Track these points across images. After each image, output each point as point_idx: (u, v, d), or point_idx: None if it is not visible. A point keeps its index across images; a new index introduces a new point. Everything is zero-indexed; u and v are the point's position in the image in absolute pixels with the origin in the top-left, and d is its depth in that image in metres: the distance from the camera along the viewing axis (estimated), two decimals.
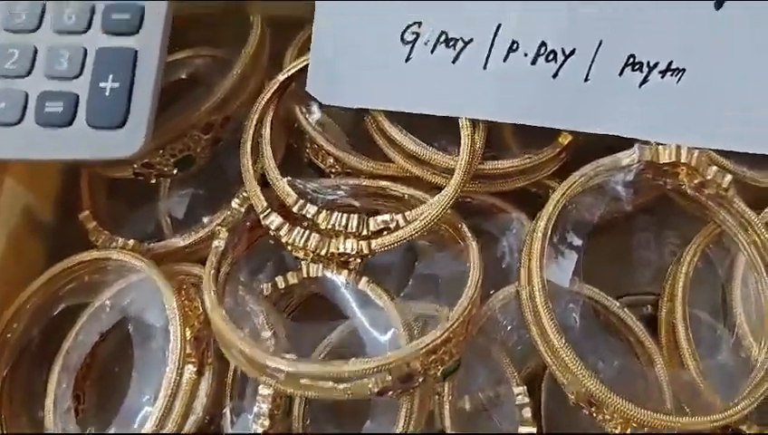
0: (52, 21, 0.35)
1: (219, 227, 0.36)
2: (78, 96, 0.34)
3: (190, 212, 0.43)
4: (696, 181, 0.36)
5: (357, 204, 0.38)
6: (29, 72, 0.35)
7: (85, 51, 0.35)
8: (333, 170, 0.39)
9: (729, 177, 0.35)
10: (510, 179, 0.38)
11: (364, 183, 0.38)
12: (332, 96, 0.37)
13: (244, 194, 0.37)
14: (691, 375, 0.35)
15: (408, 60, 0.36)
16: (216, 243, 0.35)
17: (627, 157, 0.35)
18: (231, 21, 0.42)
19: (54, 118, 0.34)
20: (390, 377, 0.31)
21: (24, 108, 0.34)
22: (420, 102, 0.36)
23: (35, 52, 0.35)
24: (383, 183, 0.38)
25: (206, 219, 0.40)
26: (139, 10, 0.35)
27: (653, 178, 0.36)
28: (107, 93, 0.34)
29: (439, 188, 0.36)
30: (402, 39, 0.36)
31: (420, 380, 0.32)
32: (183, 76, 0.43)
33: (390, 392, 0.32)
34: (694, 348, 0.35)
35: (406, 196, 0.37)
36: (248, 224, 0.37)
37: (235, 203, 0.37)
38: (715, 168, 0.35)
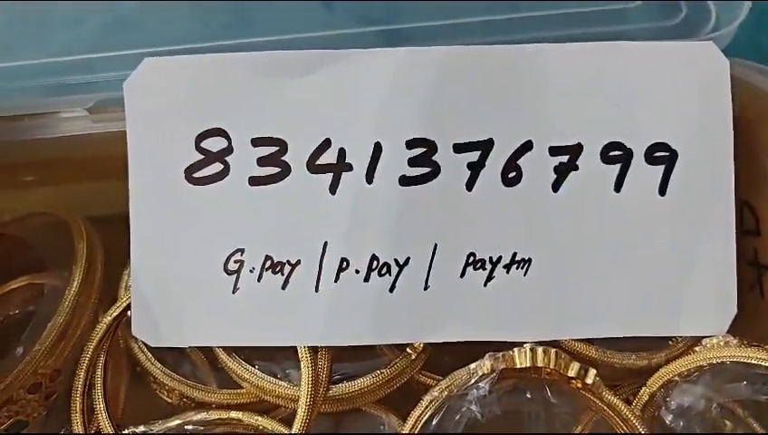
0: None
1: None
2: None
3: None
4: (560, 378, 0.33)
5: None
6: None
7: None
8: (183, 402, 0.36)
9: (593, 372, 0.33)
10: (371, 393, 0.35)
11: (213, 416, 0.35)
12: (161, 337, 0.34)
13: None
14: None
15: (234, 291, 0.34)
16: None
17: (479, 368, 0.32)
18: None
19: None
20: None
21: None
22: (254, 335, 0.34)
23: None
24: (234, 414, 0.35)
25: None
26: None
27: (513, 389, 0.33)
28: None
29: None
30: (226, 270, 0.34)
31: None
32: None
33: None
34: None
35: (260, 426, 0.35)
36: None
37: None
38: (577, 365, 0.33)
